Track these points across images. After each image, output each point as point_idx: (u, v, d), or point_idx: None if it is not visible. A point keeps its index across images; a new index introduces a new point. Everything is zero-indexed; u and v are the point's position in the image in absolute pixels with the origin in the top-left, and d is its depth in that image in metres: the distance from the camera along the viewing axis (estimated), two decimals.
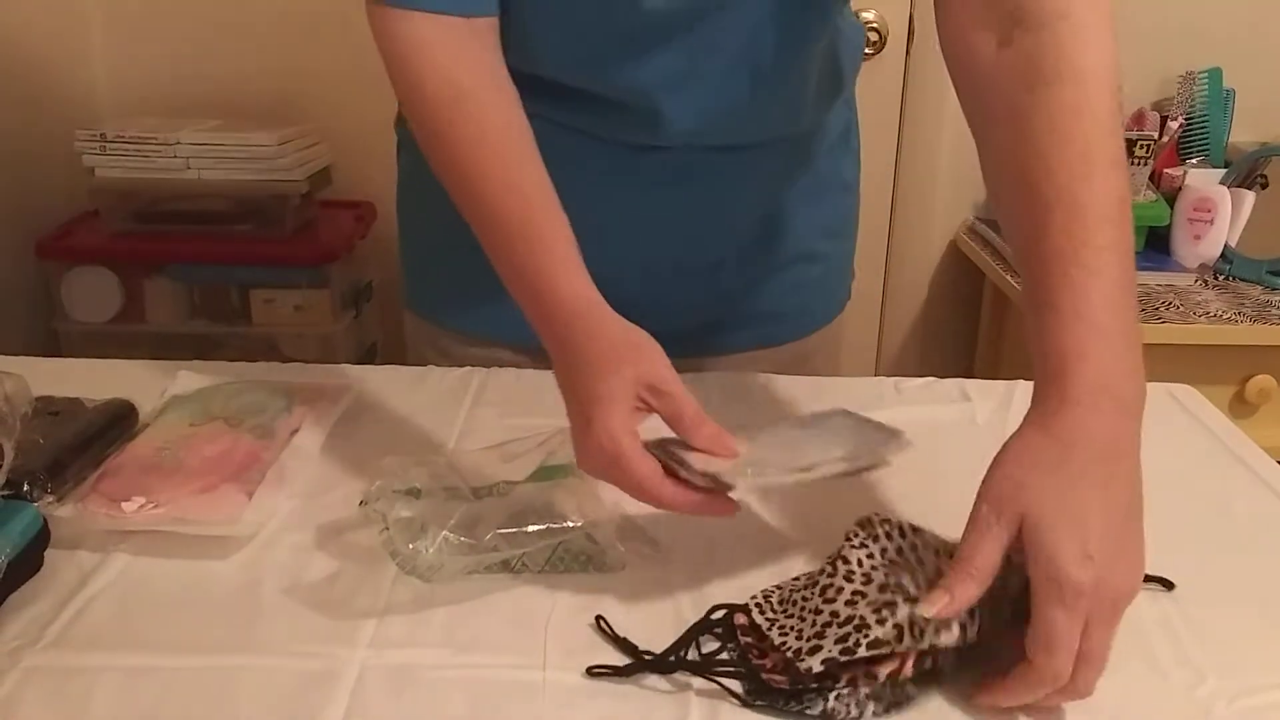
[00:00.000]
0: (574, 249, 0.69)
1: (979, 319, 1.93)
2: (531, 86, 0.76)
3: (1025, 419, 0.59)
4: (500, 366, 0.93)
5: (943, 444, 0.81)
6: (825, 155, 0.95)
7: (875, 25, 1.79)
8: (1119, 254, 0.60)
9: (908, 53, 1.83)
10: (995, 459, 0.58)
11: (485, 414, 0.85)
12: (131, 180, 1.53)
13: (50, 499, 0.66)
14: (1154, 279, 1.61)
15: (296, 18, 1.72)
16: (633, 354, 0.64)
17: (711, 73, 0.81)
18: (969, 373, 1.97)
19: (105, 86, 1.79)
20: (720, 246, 0.93)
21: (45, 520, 0.64)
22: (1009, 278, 1.63)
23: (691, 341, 0.92)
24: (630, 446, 0.60)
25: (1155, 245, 1.68)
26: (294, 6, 1.72)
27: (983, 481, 0.57)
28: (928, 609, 0.54)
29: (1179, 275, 1.61)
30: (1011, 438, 0.58)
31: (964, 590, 0.54)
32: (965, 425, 0.85)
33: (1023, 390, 0.90)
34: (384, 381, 0.91)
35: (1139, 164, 1.61)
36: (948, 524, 0.70)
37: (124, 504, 0.67)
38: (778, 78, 0.84)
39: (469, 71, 0.73)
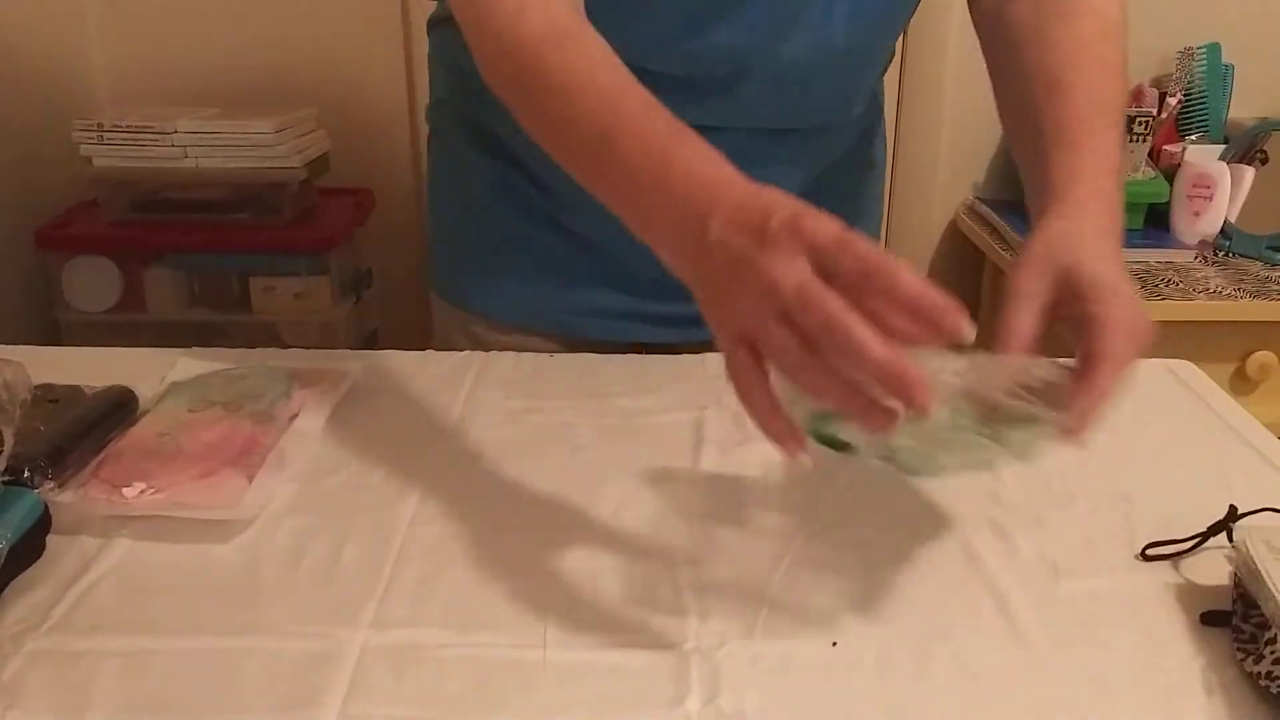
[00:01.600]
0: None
1: (979, 299, 1.92)
2: None
3: (1034, 230, 0.67)
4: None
5: None
6: (862, 136, 0.95)
7: None
8: (1117, 152, 0.70)
9: (905, 33, 1.82)
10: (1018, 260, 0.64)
11: (489, 396, 0.85)
12: (129, 170, 1.53)
13: (51, 485, 0.66)
14: (1154, 256, 1.60)
15: (294, 5, 1.72)
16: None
17: (786, 51, 0.80)
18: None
19: (102, 75, 1.79)
20: None
21: (46, 506, 0.64)
22: (1008, 256, 1.63)
23: (692, 327, 0.93)
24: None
25: (1154, 222, 1.67)
26: None
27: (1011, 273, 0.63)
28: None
29: (1178, 252, 1.61)
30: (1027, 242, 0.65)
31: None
32: None
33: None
34: (383, 366, 0.91)
35: (1138, 141, 1.61)
36: (947, 503, 0.70)
37: (125, 490, 0.67)
38: (855, 62, 0.83)
39: (567, 14, 0.66)
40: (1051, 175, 0.69)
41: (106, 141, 1.52)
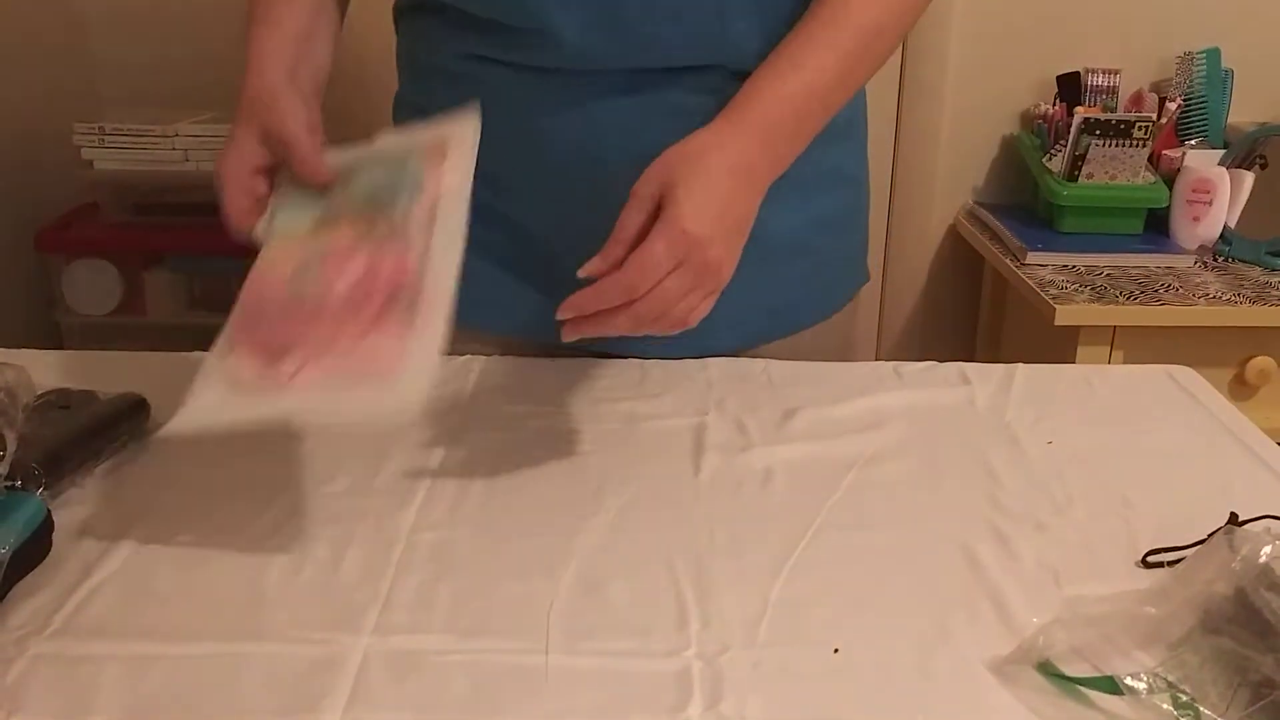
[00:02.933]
0: (276, 17, 0.82)
1: (979, 303, 1.93)
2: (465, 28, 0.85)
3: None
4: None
5: (942, 429, 0.81)
6: (820, 147, 0.94)
7: None
8: (841, 69, 0.79)
9: (905, 41, 1.82)
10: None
11: (489, 401, 0.86)
12: (130, 172, 1.53)
13: (44, 493, 0.66)
14: (1153, 261, 1.61)
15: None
16: (262, 106, 0.77)
17: None
18: (970, 356, 1.97)
19: (103, 78, 1.79)
20: None
21: (49, 511, 0.64)
22: (1008, 262, 1.63)
23: (676, 342, 0.93)
24: (230, 183, 0.78)
25: (1154, 227, 1.68)
26: None
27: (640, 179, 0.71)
28: (581, 270, 0.69)
29: (1178, 257, 1.61)
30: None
31: (612, 252, 0.69)
32: (965, 409, 0.85)
33: (1023, 373, 0.91)
34: None
35: (1138, 145, 1.61)
36: (948, 509, 0.71)
37: (281, 365, 0.65)
38: None
39: None
40: (751, 82, 0.77)
41: (107, 144, 1.53)
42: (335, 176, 0.76)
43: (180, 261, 1.57)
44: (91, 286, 1.55)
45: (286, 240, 0.74)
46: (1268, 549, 0.54)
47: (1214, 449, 0.80)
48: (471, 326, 0.95)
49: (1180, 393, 0.90)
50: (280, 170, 0.79)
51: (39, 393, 0.77)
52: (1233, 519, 0.64)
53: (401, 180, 0.75)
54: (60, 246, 1.56)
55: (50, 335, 1.59)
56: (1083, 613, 0.56)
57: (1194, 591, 0.55)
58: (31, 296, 1.61)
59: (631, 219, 0.70)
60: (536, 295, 0.94)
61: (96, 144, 1.53)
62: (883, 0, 0.80)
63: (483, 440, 0.79)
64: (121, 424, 0.77)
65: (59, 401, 0.77)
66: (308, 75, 0.82)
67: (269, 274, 0.72)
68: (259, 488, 0.72)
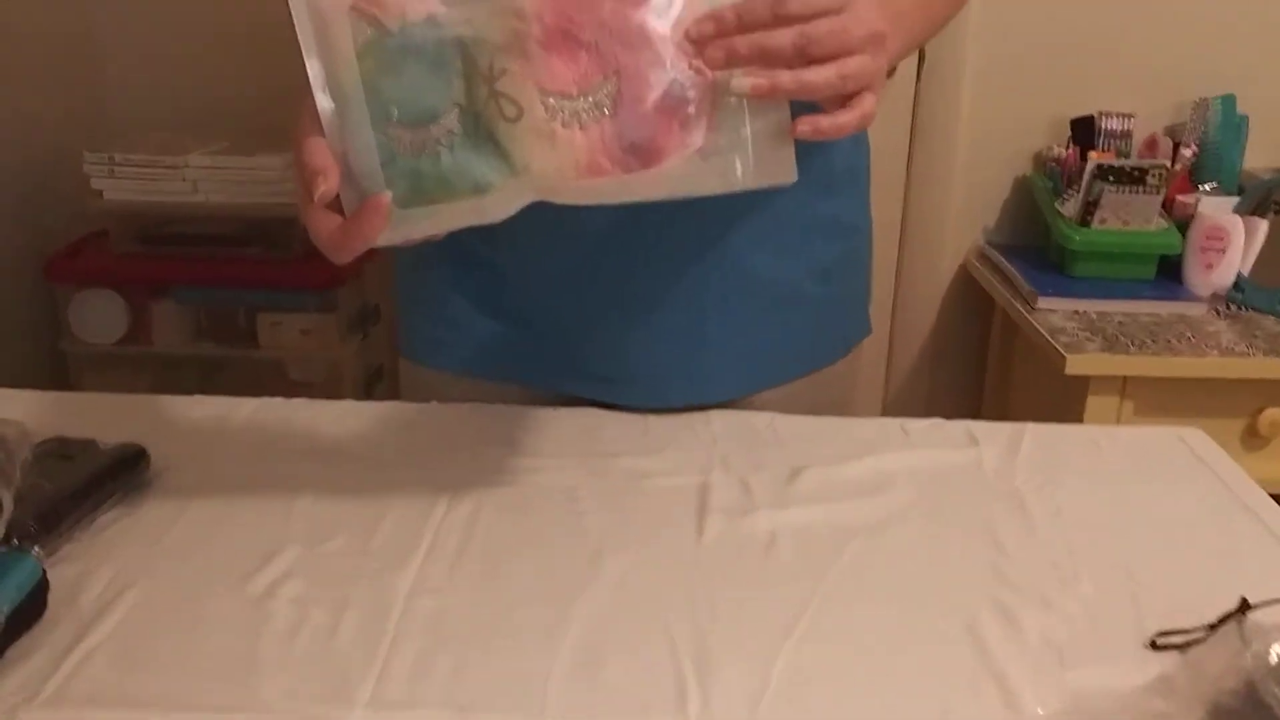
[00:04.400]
0: None
1: (988, 344, 1.92)
2: None
3: None
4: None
5: (949, 494, 0.80)
6: (816, 196, 0.94)
7: None
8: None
9: (918, 77, 1.82)
10: None
11: (491, 453, 0.85)
12: (139, 203, 1.54)
13: (39, 551, 0.65)
14: (1165, 309, 1.60)
15: None
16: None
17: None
18: (978, 398, 1.96)
19: (115, 107, 1.80)
20: (682, 286, 0.90)
21: (45, 571, 0.63)
22: (1019, 305, 1.62)
23: (673, 389, 0.92)
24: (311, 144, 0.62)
25: (1167, 273, 1.67)
26: None
27: None
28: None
29: (1191, 305, 1.60)
30: None
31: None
32: (972, 472, 0.84)
33: (1031, 434, 0.90)
34: (387, 417, 0.91)
35: (1151, 192, 1.60)
36: (954, 581, 0.70)
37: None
38: None
39: None
40: None
41: (117, 175, 1.53)
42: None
43: (187, 293, 1.57)
44: (98, 316, 1.55)
45: None
46: (1278, 646, 0.53)
47: (1224, 519, 0.79)
48: (461, 373, 0.96)
49: (1190, 457, 0.89)
50: None
51: (38, 441, 0.76)
52: (1244, 605, 0.63)
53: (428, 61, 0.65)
54: (68, 276, 1.56)
55: (56, 364, 1.59)
56: (1089, 706, 0.55)
57: (1203, 685, 0.54)
58: (38, 325, 1.61)
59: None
60: (521, 340, 0.94)
61: (106, 174, 1.53)
62: None
63: (483, 495, 0.78)
64: (120, 475, 0.77)
65: (58, 451, 0.77)
66: None
67: (582, 166, 0.65)
68: (257, 544, 0.72)
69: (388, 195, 0.62)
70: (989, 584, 0.69)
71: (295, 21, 0.63)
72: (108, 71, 1.80)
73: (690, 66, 0.61)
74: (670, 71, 0.61)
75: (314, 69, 0.63)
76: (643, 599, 0.67)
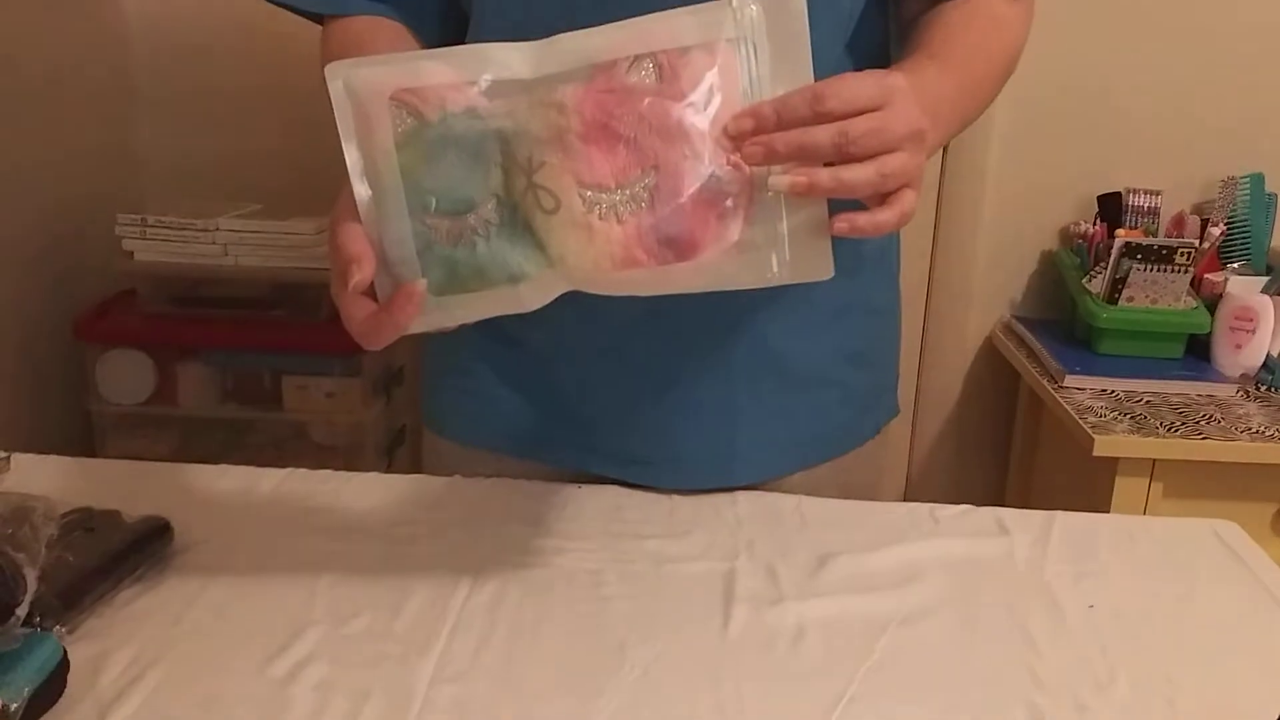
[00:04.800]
0: None
1: (1014, 419, 1.90)
2: None
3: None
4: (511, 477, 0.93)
5: (980, 586, 0.79)
6: (846, 278, 0.93)
7: None
8: (972, 92, 0.80)
9: (945, 150, 1.83)
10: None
11: (516, 532, 0.84)
12: (169, 264, 1.55)
13: (61, 629, 0.65)
14: (1194, 389, 1.58)
15: None
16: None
17: None
18: (1003, 475, 1.94)
19: (150, 170, 1.83)
20: (712, 368, 0.90)
21: (65, 651, 0.63)
22: (1045, 383, 1.61)
23: (700, 472, 0.92)
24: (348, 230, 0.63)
25: (1195, 352, 1.65)
26: None
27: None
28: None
29: (1220, 385, 1.59)
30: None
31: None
32: (1003, 563, 0.83)
33: (1062, 523, 0.89)
34: (411, 492, 0.90)
35: (1179, 271, 1.60)
36: (986, 681, 0.68)
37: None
38: None
39: (369, 25, 0.84)
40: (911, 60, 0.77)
41: (149, 236, 1.54)
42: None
43: (214, 355, 1.58)
44: (125, 377, 1.56)
45: None
46: None
47: (1261, 618, 0.78)
48: (486, 449, 0.95)
49: (1225, 552, 0.87)
50: None
51: (63, 512, 0.76)
52: None
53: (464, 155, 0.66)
54: (97, 335, 1.57)
55: (82, 424, 1.60)
56: None
57: None
58: (65, 384, 1.62)
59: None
60: (548, 419, 0.94)
61: (138, 235, 1.55)
62: (982, 60, 0.82)
63: (508, 577, 0.78)
64: (144, 549, 0.76)
65: (83, 523, 0.77)
66: None
67: (616, 259, 0.65)
68: (279, 623, 0.71)
69: (422, 284, 0.62)
70: (1022, 684, 0.68)
71: (335, 108, 0.64)
72: (143, 134, 1.83)
73: (728, 162, 0.61)
74: (708, 166, 0.61)
75: (352, 157, 0.63)
76: (667, 693, 0.66)
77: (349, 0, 0.85)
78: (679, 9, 0.62)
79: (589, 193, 0.61)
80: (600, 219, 0.61)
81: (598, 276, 0.62)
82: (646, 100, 0.61)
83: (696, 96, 0.61)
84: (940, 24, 0.82)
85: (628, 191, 0.61)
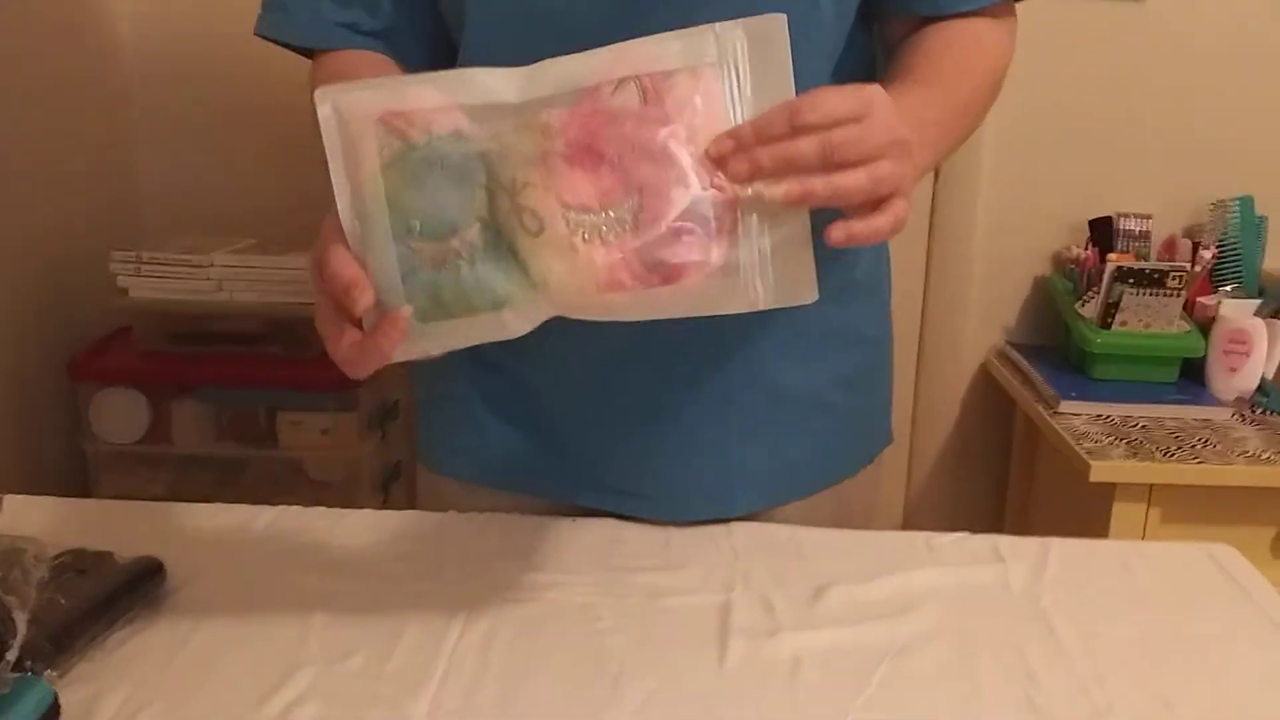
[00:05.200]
0: None
1: (1010, 445, 1.90)
2: None
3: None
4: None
5: (976, 615, 0.79)
6: (837, 306, 0.93)
7: None
8: (959, 112, 0.81)
9: (936, 177, 1.84)
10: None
11: (509, 567, 0.84)
12: (164, 301, 1.55)
13: (52, 673, 0.64)
14: (1189, 413, 1.58)
15: None
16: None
17: None
18: (1000, 502, 1.94)
19: (145, 205, 1.83)
20: (705, 398, 0.90)
21: (56, 696, 0.62)
22: (1040, 409, 1.61)
23: (695, 503, 0.92)
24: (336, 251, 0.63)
25: (1190, 376, 1.65)
26: None
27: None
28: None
29: (1215, 409, 1.59)
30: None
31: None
32: (999, 592, 0.82)
33: (1058, 550, 0.88)
34: (405, 528, 0.90)
35: (1172, 295, 1.60)
36: (985, 706, 0.68)
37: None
38: None
39: (357, 57, 0.84)
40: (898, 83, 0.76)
41: (144, 273, 1.54)
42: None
43: (208, 392, 1.58)
44: (119, 415, 1.56)
45: None
46: None
47: (1259, 643, 0.77)
48: (481, 483, 0.95)
49: (1221, 575, 0.87)
50: None
51: (55, 554, 0.76)
52: None
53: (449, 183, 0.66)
54: (91, 374, 1.57)
55: (75, 462, 1.59)
56: None
57: None
58: (59, 423, 1.62)
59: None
60: (543, 452, 0.94)
61: (133, 272, 1.55)
62: (967, 80, 0.82)
63: (501, 613, 0.77)
64: (137, 590, 0.76)
65: (74, 564, 0.76)
66: None
67: (600, 285, 0.65)
68: (273, 664, 0.71)
69: (408, 310, 0.62)
70: (1021, 715, 0.68)
71: (323, 132, 0.64)
72: (138, 171, 1.84)
73: (712, 185, 0.61)
74: (692, 189, 0.61)
75: (338, 180, 0.63)
76: None
77: (336, 34, 0.85)
78: (664, 34, 0.63)
79: (573, 214, 0.61)
80: (584, 241, 0.61)
81: (581, 300, 0.62)
82: (630, 122, 0.61)
83: (680, 119, 0.61)
84: (924, 47, 0.83)
85: (612, 214, 0.61)
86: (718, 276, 0.62)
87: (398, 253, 0.62)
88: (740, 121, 0.62)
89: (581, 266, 0.62)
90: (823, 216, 0.64)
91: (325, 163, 0.63)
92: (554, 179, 0.62)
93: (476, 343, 0.64)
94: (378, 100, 0.63)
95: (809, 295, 0.63)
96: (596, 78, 0.62)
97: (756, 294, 0.63)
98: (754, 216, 0.62)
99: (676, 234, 0.61)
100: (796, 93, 0.63)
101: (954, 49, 0.83)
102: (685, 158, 0.62)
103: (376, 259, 0.63)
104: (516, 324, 0.64)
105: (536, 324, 0.64)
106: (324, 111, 0.63)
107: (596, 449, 0.92)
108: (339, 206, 0.63)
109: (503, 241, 0.63)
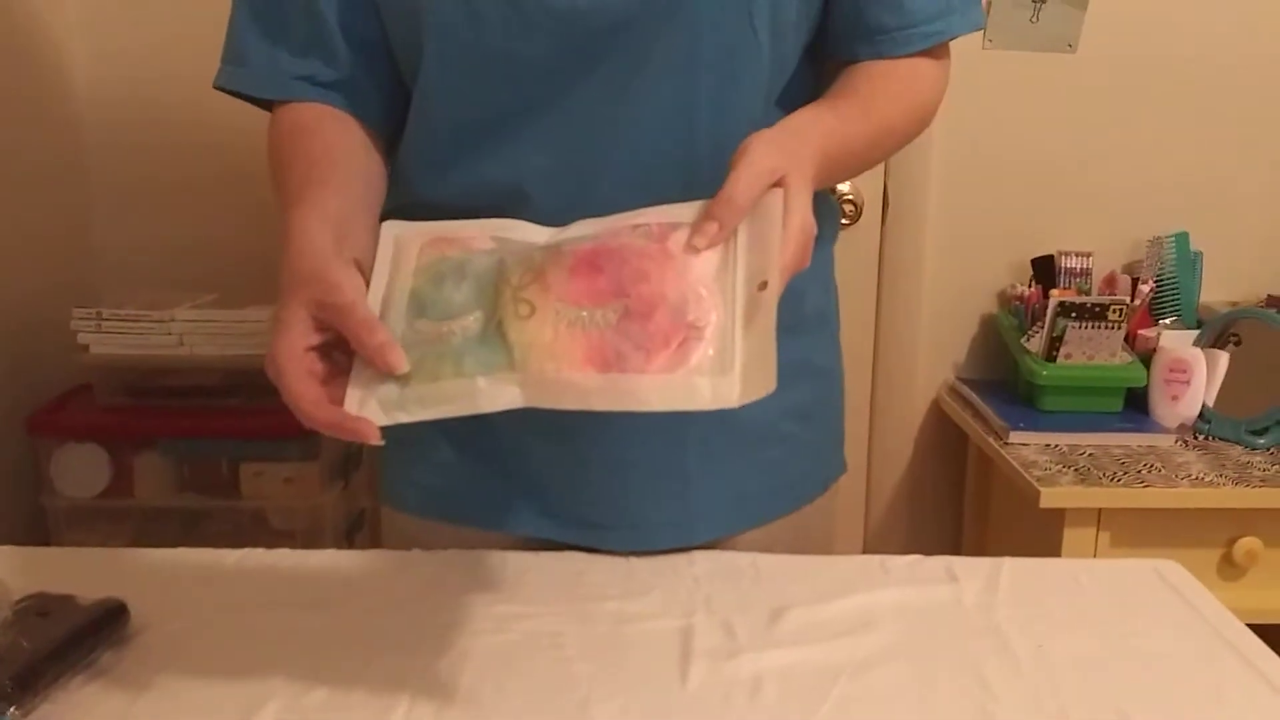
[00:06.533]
0: (317, 198, 0.76)
1: (964, 479, 1.94)
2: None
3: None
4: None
5: (931, 632, 0.81)
6: (787, 338, 0.96)
7: (850, 197, 1.86)
8: (871, 139, 0.86)
9: (884, 220, 1.89)
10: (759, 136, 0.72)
11: (475, 600, 0.85)
12: (124, 356, 1.55)
13: (16, 713, 0.64)
14: (1135, 440, 1.62)
15: None
16: (313, 280, 0.68)
17: (593, 166, 0.85)
18: (958, 526, 1.97)
19: (104, 260, 1.84)
20: (661, 432, 0.93)
21: None
22: (991, 440, 1.65)
23: (654, 534, 0.94)
24: (287, 371, 0.67)
25: (1134, 404, 1.70)
26: None
27: (754, 148, 0.71)
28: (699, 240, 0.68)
29: (1159, 436, 1.63)
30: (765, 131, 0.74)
31: (730, 217, 0.68)
32: (953, 609, 0.85)
33: (1010, 569, 0.91)
34: (369, 565, 0.91)
35: (1113, 327, 1.65)
36: (941, 716, 0.70)
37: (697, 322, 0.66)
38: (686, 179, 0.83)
39: (315, 115, 0.86)
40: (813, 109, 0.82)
41: (104, 329, 1.55)
42: (389, 339, 0.69)
43: (170, 445, 1.57)
44: (80, 470, 1.55)
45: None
46: None
47: (1205, 654, 0.80)
48: (445, 520, 0.96)
49: (1169, 591, 0.90)
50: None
51: (16, 599, 0.76)
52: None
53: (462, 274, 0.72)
54: (51, 430, 1.56)
55: (35, 518, 1.58)
56: None
57: None
58: (18, 479, 1.61)
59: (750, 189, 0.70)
60: (505, 488, 0.95)
61: (94, 329, 1.55)
62: (900, 106, 0.89)
63: (468, 644, 0.78)
64: (101, 632, 0.76)
65: (37, 608, 0.76)
66: (350, 257, 0.77)
67: (569, 363, 0.68)
68: (238, 700, 0.71)
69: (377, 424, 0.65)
70: None
71: (379, 246, 0.73)
72: (97, 226, 1.84)
73: (696, 298, 0.66)
74: (677, 303, 0.66)
75: (378, 279, 0.70)
76: None
77: (293, 86, 0.87)
78: (682, 203, 0.70)
79: (564, 307, 0.66)
80: (568, 326, 0.66)
81: (556, 378, 0.65)
82: (633, 251, 0.68)
83: (678, 254, 0.68)
84: (863, 72, 0.88)
85: (599, 312, 0.66)
86: (693, 373, 0.65)
87: (402, 332, 0.67)
88: (731, 260, 0.68)
89: (562, 343, 0.65)
90: None
91: (279, 216, 0.70)
92: (556, 281, 0.67)
93: (451, 414, 0.66)
94: (432, 230, 0.73)
95: (772, 387, 0.65)
96: (616, 224, 0.70)
97: (731, 391, 0.65)
98: (732, 319, 0.66)
99: (657, 331, 0.65)
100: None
101: (889, 80, 0.88)
102: (677, 280, 0.67)
103: None
104: (490, 393, 0.65)
105: (511, 404, 0.66)
106: (385, 236, 0.73)
107: (558, 485, 0.94)
108: (369, 298, 0.68)
109: (494, 326, 0.66)
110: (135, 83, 1.80)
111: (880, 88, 0.87)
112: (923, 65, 0.90)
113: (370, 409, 0.65)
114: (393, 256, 0.71)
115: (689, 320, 0.65)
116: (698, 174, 0.84)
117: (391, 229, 0.74)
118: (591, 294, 0.66)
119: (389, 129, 0.91)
